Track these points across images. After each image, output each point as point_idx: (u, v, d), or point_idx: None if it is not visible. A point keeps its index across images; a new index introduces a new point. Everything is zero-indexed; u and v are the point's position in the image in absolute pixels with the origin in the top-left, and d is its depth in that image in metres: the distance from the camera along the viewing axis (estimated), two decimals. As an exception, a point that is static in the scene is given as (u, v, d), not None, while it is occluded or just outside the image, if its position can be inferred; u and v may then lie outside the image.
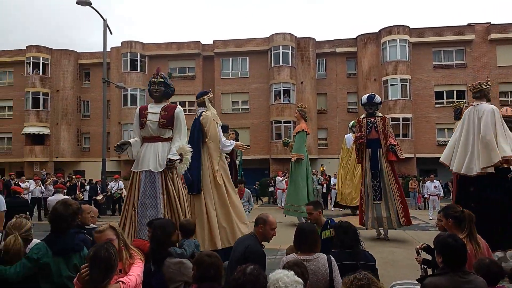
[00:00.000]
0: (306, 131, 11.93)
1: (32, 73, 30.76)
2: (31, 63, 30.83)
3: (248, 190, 9.25)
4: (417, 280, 3.00)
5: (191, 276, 3.24)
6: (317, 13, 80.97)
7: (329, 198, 18.17)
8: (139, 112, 5.66)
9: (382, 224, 9.36)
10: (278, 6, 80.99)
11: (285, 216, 12.42)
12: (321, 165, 23.88)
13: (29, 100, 30.66)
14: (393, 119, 26.11)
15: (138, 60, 30.82)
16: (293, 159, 11.92)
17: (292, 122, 26.75)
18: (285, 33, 29.28)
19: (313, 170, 21.19)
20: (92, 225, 3.96)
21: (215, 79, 30.43)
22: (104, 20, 17.55)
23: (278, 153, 26.92)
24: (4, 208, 7.00)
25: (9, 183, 15.84)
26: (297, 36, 29.69)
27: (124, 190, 17.53)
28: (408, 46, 27.84)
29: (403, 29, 27.93)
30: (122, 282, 2.48)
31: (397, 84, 27.49)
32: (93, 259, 2.37)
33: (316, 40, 30.15)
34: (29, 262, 2.84)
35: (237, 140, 10.74)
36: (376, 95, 9.99)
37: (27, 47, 31.06)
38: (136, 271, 2.68)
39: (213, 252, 2.73)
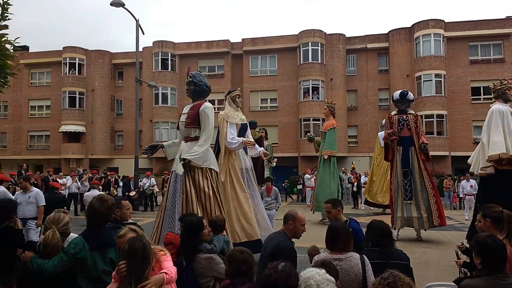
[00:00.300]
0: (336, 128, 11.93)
1: (69, 73, 31.99)
2: (67, 63, 32.05)
3: (276, 188, 9.24)
4: (454, 281, 2.90)
5: (221, 271, 3.28)
6: (347, 8, 79.69)
7: (359, 197, 17.89)
8: (180, 114, 5.88)
9: (413, 224, 9.12)
10: (307, 3, 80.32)
11: (313, 213, 12.34)
12: (352, 163, 23.51)
13: (66, 99, 31.92)
14: (426, 116, 25.35)
15: (169, 60, 31.40)
16: (325, 156, 11.89)
17: (321, 120, 26.49)
18: (314, 29, 28.99)
19: (343, 169, 20.97)
20: (130, 220, 4.08)
21: (243, 77, 30.56)
22: (137, 21, 17.99)
23: (307, 151, 26.70)
24: (44, 202, 7.36)
25: (47, 179, 16.56)
26: (326, 33, 29.33)
27: (155, 186, 17.96)
28: (443, 40, 26.87)
29: (437, 23, 26.99)
30: (165, 273, 2.56)
31: (431, 80, 26.60)
32: (129, 251, 2.45)
33: (346, 36, 29.69)
34: (67, 256, 2.95)
35: (266, 138, 10.86)
36: (409, 92, 9.82)
37: (63, 48, 32.33)
38: (171, 264, 2.74)
39: (244, 249, 2.74)
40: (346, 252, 3.07)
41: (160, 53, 31.16)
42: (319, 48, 28.67)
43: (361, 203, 17.11)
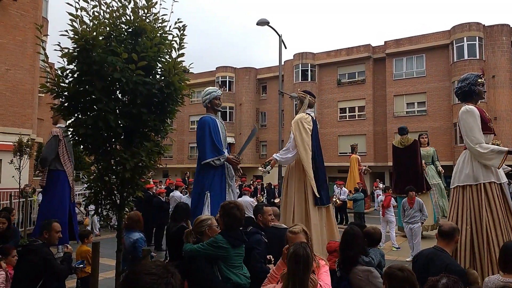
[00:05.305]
0: None
1: (220, 90, 35.68)
2: (219, 82, 35.82)
3: (420, 199, 8.38)
4: None
5: (379, 286, 3.15)
6: (511, -7, 68.34)
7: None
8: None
9: None
10: (459, -6, 71.96)
11: None
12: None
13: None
14: None
15: (309, 70, 32.06)
16: None
17: (481, 124, 23.21)
18: (470, 22, 25.74)
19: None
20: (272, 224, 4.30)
21: (386, 81, 29.05)
22: (280, 36, 18.90)
23: (464, 159, 23.67)
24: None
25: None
26: (485, 25, 25.72)
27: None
28: None
29: None
30: (320, 285, 2.66)
31: None
32: (293, 256, 2.58)
33: (511, 26, 25.48)
34: (206, 244, 3.31)
35: (427, 143, 10.68)
36: None
37: (216, 68, 36.32)
38: (327, 278, 2.81)
39: (404, 266, 2.55)
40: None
41: (300, 64, 32.10)
42: (477, 42, 25.30)
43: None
